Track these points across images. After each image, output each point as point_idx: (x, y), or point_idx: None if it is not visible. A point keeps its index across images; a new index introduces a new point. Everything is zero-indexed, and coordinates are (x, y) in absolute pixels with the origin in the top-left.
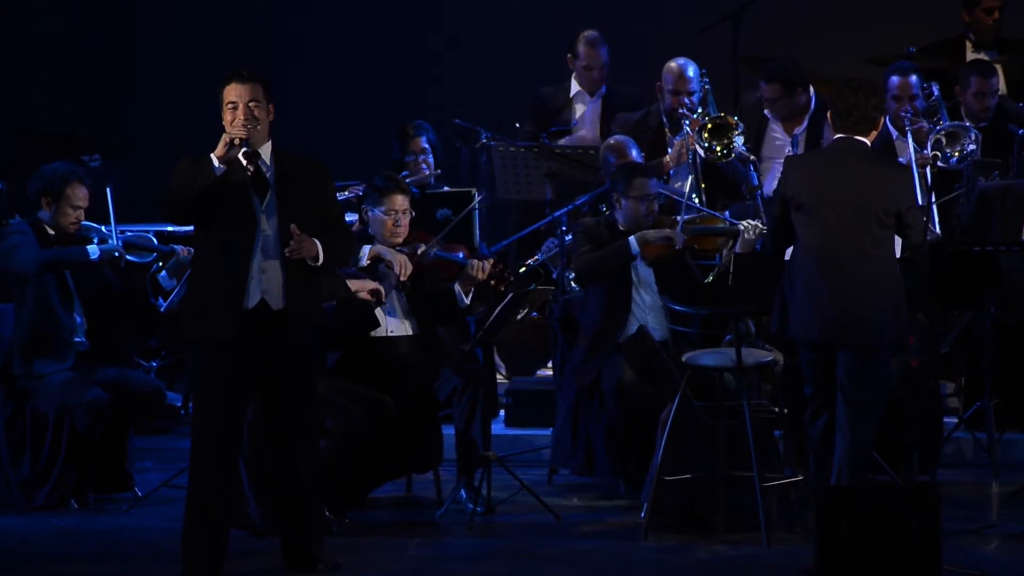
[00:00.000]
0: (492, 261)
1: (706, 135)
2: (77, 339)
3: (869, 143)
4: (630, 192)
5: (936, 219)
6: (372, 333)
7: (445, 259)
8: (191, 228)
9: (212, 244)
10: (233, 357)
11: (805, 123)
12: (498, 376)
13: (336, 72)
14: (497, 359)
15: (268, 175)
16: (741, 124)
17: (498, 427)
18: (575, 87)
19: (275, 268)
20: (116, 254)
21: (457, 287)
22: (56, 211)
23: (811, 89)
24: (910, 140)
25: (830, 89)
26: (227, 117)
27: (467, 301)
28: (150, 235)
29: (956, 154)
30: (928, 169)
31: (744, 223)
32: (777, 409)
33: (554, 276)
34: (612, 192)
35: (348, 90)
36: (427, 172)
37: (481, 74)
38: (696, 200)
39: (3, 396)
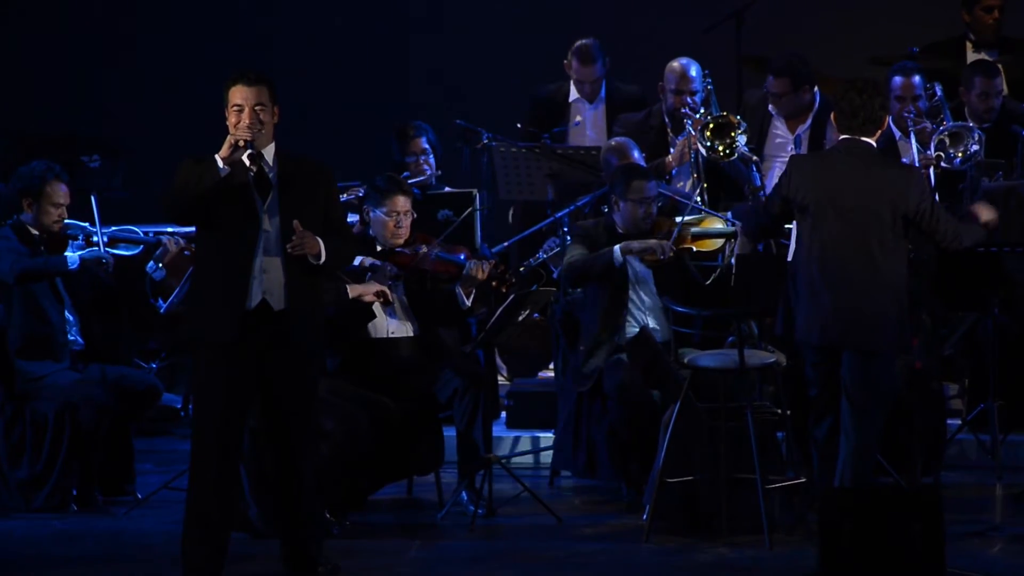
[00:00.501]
0: (493, 262)
1: (708, 135)
2: (71, 338)
3: (874, 143)
4: (628, 194)
5: None
6: (373, 335)
7: (446, 260)
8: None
9: (214, 243)
10: (234, 359)
11: (808, 122)
12: (499, 378)
13: (336, 72)
14: (498, 360)
15: (271, 176)
16: (744, 123)
17: (499, 429)
18: (574, 92)
19: (277, 267)
20: (103, 260)
21: (458, 288)
22: (38, 211)
23: (816, 88)
24: (913, 141)
25: (832, 89)
26: (232, 119)
27: (468, 302)
28: (135, 229)
29: (960, 155)
30: (931, 170)
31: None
32: (780, 411)
33: (555, 277)
34: (611, 194)
35: (348, 90)
36: (428, 173)
37: (481, 74)
38: (698, 199)
39: (2, 398)
